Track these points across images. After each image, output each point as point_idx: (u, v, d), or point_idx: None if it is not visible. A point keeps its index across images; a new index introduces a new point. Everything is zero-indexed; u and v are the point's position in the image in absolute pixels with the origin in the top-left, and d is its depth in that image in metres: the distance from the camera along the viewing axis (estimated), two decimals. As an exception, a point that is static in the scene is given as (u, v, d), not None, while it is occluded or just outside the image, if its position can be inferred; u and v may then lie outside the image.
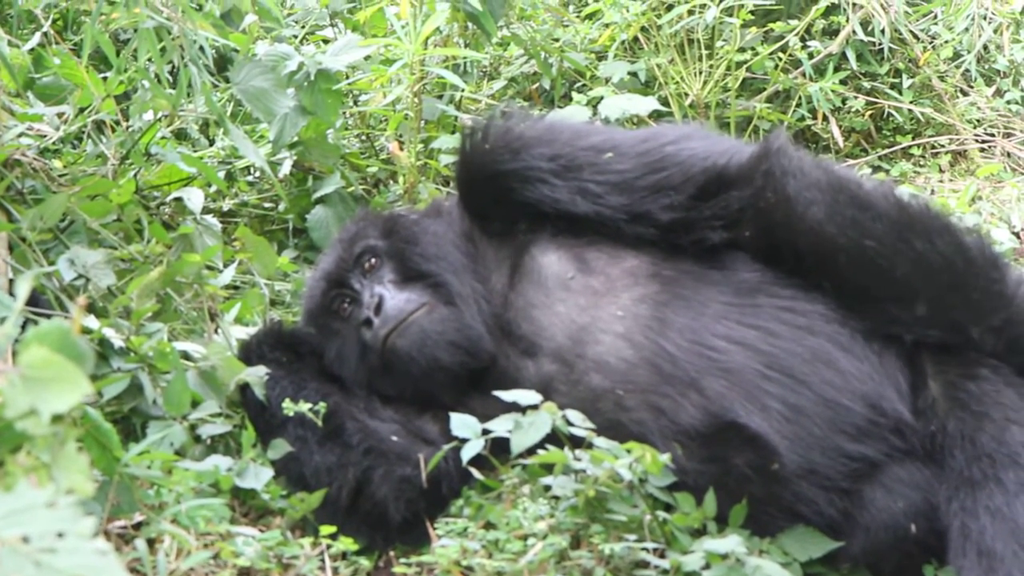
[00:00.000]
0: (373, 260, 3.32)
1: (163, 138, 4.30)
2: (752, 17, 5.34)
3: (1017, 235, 4.75)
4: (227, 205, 4.55)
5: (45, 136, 3.90)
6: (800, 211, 3.05)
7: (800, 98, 5.44)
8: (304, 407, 3.08)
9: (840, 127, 5.58)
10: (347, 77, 4.62)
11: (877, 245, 3.00)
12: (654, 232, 3.18)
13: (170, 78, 4.29)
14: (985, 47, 6.03)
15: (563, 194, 3.21)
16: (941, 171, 5.55)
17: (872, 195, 3.06)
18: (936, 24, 5.93)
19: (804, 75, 5.48)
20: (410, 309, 3.21)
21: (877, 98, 5.69)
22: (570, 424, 2.80)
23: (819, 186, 3.06)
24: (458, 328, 3.20)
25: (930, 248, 2.99)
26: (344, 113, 4.87)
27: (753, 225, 3.12)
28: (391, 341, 3.19)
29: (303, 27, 5.57)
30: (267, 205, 4.66)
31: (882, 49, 5.65)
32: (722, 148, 3.22)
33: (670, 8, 5.31)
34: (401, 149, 4.53)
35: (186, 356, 3.19)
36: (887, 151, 5.64)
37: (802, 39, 5.44)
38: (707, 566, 2.71)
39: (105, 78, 4.03)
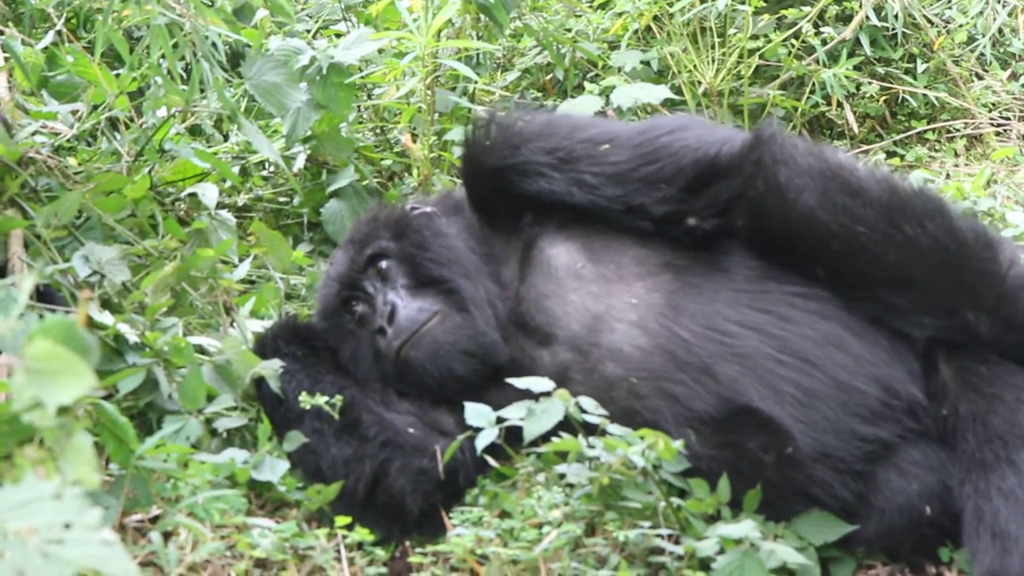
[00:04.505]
0: (385, 263, 3.33)
1: (177, 134, 4.31)
2: (764, 4, 5.34)
3: (1033, 217, 4.73)
4: (242, 200, 4.55)
5: (59, 134, 3.91)
6: (791, 199, 3.05)
7: (814, 84, 5.43)
8: (321, 400, 3.09)
9: (855, 113, 5.57)
10: (360, 71, 4.63)
11: (868, 231, 3.00)
12: (649, 225, 3.20)
13: (183, 74, 4.30)
14: (1000, 30, 6.03)
15: (560, 186, 3.23)
16: (956, 155, 5.54)
17: (864, 181, 3.06)
18: (950, 8, 5.93)
19: (817, 61, 5.47)
20: (423, 319, 3.22)
21: (891, 83, 5.68)
22: (583, 411, 2.81)
23: (811, 173, 3.06)
24: (471, 336, 3.21)
25: (920, 232, 2.98)
26: (357, 107, 4.89)
27: (746, 214, 3.13)
28: (404, 352, 3.21)
29: (315, 21, 5.58)
30: (281, 199, 4.67)
31: (896, 34, 5.64)
32: (716, 138, 3.22)
33: (682, -4, 5.31)
34: (415, 142, 4.54)
35: (201, 350, 3.20)
36: (902, 136, 5.63)
37: (815, 25, 5.44)
38: (722, 551, 2.71)
39: (118, 75, 4.04)
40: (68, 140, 3.98)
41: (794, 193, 3.05)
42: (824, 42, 5.48)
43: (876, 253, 3.00)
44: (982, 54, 5.91)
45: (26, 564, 1.44)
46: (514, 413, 2.80)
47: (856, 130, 5.53)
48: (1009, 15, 5.98)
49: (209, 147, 4.58)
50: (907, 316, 3.01)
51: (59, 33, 4.23)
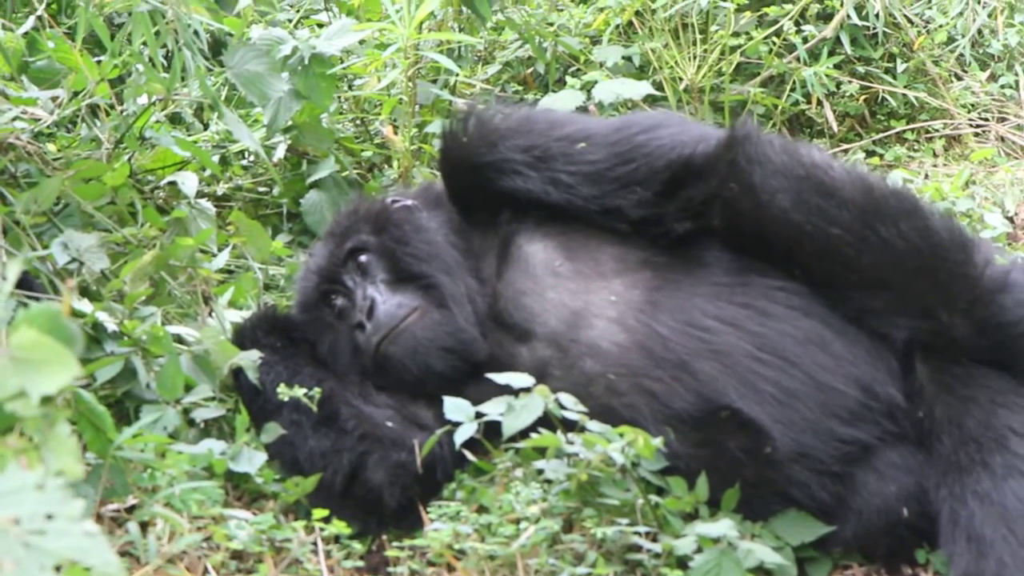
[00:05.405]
0: (365, 258, 3.32)
1: (157, 122, 4.29)
2: (746, 1, 5.33)
3: (1011, 219, 4.75)
4: (221, 189, 4.54)
5: (39, 120, 3.89)
6: (765, 200, 3.05)
7: (794, 82, 5.44)
8: (299, 392, 3.08)
9: (834, 112, 5.58)
10: (341, 61, 4.62)
11: (843, 233, 2.99)
12: (626, 227, 3.19)
13: (164, 62, 4.29)
14: (979, 31, 6.04)
15: (536, 185, 3.23)
16: (935, 156, 5.55)
17: (839, 180, 3.05)
18: (930, 8, 5.93)
19: (798, 59, 5.47)
20: (402, 315, 3.22)
21: (871, 82, 5.69)
22: (562, 407, 2.80)
23: (785, 173, 3.05)
24: (450, 332, 3.21)
25: (895, 234, 2.98)
26: (338, 97, 4.87)
27: (721, 215, 3.13)
28: (383, 348, 3.21)
29: (298, 11, 5.55)
30: (261, 189, 4.65)
31: (876, 33, 5.65)
32: (691, 137, 3.21)
33: (664, -8, 5.31)
34: (395, 133, 4.52)
35: (180, 340, 3.19)
36: (881, 136, 5.64)
37: (796, 23, 5.44)
38: (699, 550, 2.72)
39: (99, 62, 4.02)
40: (48, 126, 3.96)
41: (768, 195, 3.05)
42: (805, 40, 5.48)
43: (850, 255, 3.00)
44: (961, 55, 5.92)
45: (7, 555, 1.43)
46: (493, 408, 2.80)
47: (836, 129, 5.54)
48: (989, 16, 5.99)
49: (189, 136, 4.56)
50: (882, 317, 3.01)
51: (40, 18, 4.19)
